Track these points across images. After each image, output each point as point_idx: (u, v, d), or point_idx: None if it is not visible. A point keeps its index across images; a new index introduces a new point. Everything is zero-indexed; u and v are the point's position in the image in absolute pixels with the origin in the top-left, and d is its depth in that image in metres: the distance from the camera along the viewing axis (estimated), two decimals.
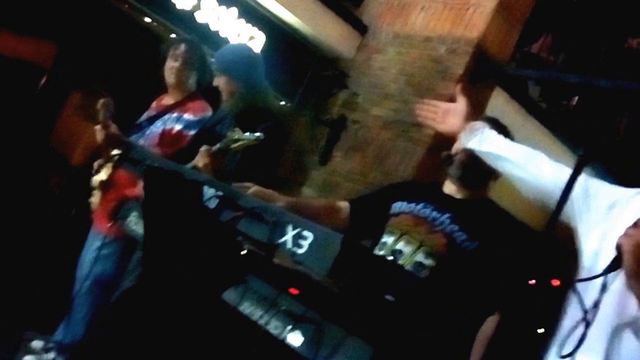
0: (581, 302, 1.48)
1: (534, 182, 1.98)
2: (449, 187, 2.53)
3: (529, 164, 2.01)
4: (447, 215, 2.39)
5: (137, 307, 2.30)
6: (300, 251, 1.48)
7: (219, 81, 3.14)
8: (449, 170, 2.48)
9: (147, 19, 5.35)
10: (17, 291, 3.87)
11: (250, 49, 3.41)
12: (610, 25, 5.72)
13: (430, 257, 2.33)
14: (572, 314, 1.65)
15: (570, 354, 1.48)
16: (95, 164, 3.37)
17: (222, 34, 5.51)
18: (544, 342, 1.78)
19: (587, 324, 1.46)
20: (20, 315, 3.64)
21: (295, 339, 1.54)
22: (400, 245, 2.40)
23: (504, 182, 2.24)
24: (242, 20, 5.61)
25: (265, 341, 1.59)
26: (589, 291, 1.58)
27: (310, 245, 1.47)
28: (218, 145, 2.80)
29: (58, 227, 4.62)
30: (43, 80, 5.85)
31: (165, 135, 3.37)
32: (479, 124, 2.19)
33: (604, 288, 1.51)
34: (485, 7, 5.11)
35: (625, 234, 1.54)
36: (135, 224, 2.34)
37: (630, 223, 1.65)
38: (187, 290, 1.88)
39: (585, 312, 1.48)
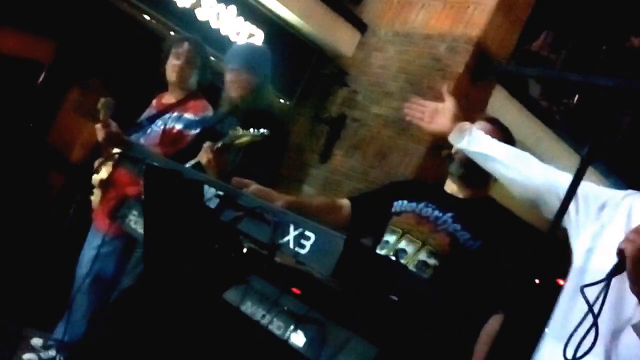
0: (588, 304, 1.48)
1: (524, 183, 2.00)
2: (451, 186, 2.53)
3: (519, 164, 2.03)
4: (449, 214, 2.39)
5: (138, 306, 2.29)
6: (303, 251, 1.47)
7: (234, 76, 3.13)
8: (450, 168, 2.47)
9: (147, 17, 5.34)
10: (17, 289, 3.87)
11: (266, 48, 3.43)
12: (612, 24, 5.71)
13: (433, 257, 2.32)
14: (575, 314, 1.65)
15: (583, 356, 1.48)
16: (96, 163, 3.37)
17: (222, 32, 5.51)
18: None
19: (596, 326, 1.46)
20: (20, 312, 3.64)
21: (298, 339, 1.53)
22: (402, 244, 2.39)
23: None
24: (241, 18, 5.61)
25: (268, 341, 1.58)
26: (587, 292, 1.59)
27: (313, 245, 1.45)
28: (222, 141, 2.80)
29: (57, 224, 4.61)
30: (41, 77, 5.83)
31: (166, 134, 3.37)
32: (467, 124, 2.20)
33: (606, 291, 1.51)
34: (486, 5, 5.10)
35: (627, 239, 1.54)
36: (135, 222, 2.33)
37: (622, 223, 1.70)
38: (187, 289, 1.88)
39: (594, 314, 1.48)
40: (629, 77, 4.50)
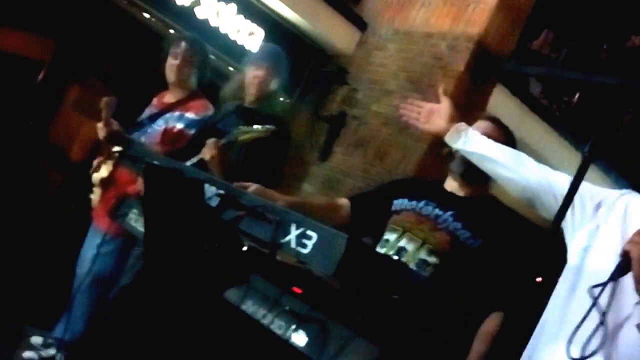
0: (597, 304, 1.49)
1: (520, 182, 2.02)
2: (451, 184, 2.53)
3: (515, 164, 2.05)
4: (450, 212, 2.39)
5: (137, 305, 2.29)
6: (305, 251, 1.47)
7: (257, 73, 3.19)
8: (451, 166, 2.47)
9: (146, 15, 5.33)
10: (17, 287, 3.86)
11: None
12: (613, 23, 5.71)
13: (433, 255, 2.33)
14: (573, 313, 1.66)
15: (591, 355, 1.49)
16: (95, 161, 3.36)
17: (222, 30, 5.50)
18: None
19: (606, 327, 1.47)
20: (20, 311, 3.63)
21: (299, 338, 1.52)
22: (403, 243, 2.40)
23: None
24: (241, 17, 5.60)
25: (269, 341, 1.58)
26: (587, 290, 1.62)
27: (315, 245, 1.45)
28: (226, 138, 2.79)
29: (57, 222, 4.61)
30: (41, 75, 5.83)
31: (167, 133, 3.36)
32: (463, 124, 2.22)
33: (613, 291, 1.52)
34: (486, 3, 5.09)
35: (632, 241, 1.56)
36: (135, 221, 2.33)
37: (618, 223, 1.73)
38: (188, 288, 1.87)
39: (602, 314, 1.49)
40: (630, 76, 4.49)
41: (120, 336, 2.22)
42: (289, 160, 5.58)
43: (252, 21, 5.66)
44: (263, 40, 5.69)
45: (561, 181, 1.87)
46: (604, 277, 1.59)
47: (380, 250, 2.42)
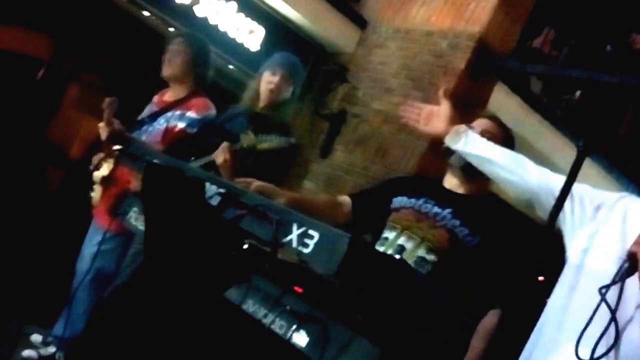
0: (607, 304, 1.50)
1: (520, 184, 2.04)
2: (450, 181, 2.53)
3: (515, 166, 2.07)
4: (448, 210, 2.39)
5: (137, 303, 2.28)
6: (306, 250, 1.46)
7: (273, 78, 3.21)
8: (451, 161, 2.47)
9: (146, 13, 5.32)
10: (17, 285, 3.86)
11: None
12: (614, 21, 5.70)
13: (432, 253, 2.33)
14: (574, 313, 1.68)
15: (605, 354, 1.51)
16: (95, 159, 3.36)
17: (221, 28, 5.49)
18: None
19: (617, 328, 1.48)
20: (20, 309, 3.63)
21: (300, 338, 1.52)
22: (402, 241, 2.40)
23: None
24: (242, 14, 5.59)
25: (270, 340, 1.57)
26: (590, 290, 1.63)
27: (317, 244, 1.44)
28: (244, 144, 2.80)
29: (57, 220, 4.61)
30: (40, 73, 5.82)
31: (168, 132, 3.35)
32: (463, 126, 2.24)
33: (621, 292, 1.53)
34: (487, 1, 5.09)
35: (638, 243, 1.57)
36: (135, 219, 2.32)
37: (617, 225, 1.75)
38: (189, 287, 1.87)
39: (613, 312, 1.50)
40: (631, 74, 4.49)
41: (120, 335, 2.21)
42: None
43: (252, 19, 5.66)
44: (263, 39, 5.70)
45: (560, 183, 1.88)
46: (604, 278, 1.60)
47: (380, 248, 2.42)
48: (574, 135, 5.88)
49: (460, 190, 2.49)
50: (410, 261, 2.32)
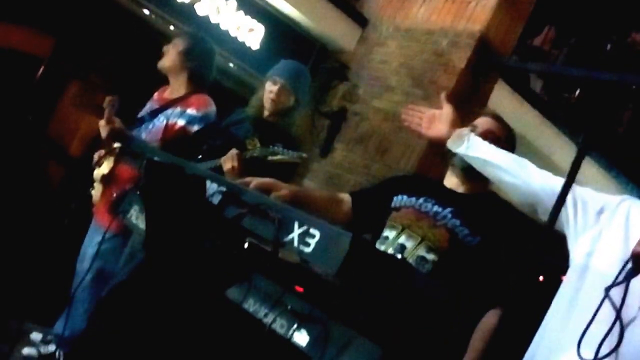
0: (612, 303, 1.49)
1: (523, 188, 2.03)
2: (451, 180, 2.52)
3: (518, 170, 2.06)
4: (449, 209, 2.38)
5: (137, 302, 2.28)
6: (308, 250, 1.45)
7: (275, 88, 3.22)
8: (453, 160, 2.46)
9: (146, 11, 5.32)
10: (17, 283, 3.86)
11: (309, 73, 3.54)
12: (614, 20, 5.70)
13: (432, 252, 2.32)
14: (577, 314, 1.68)
15: (608, 354, 1.51)
16: (96, 156, 3.36)
17: (222, 27, 5.48)
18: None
19: (622, 328, 1.48)
20: (20, 307, 3.63)
21: (301, 338, 1.52)
22: (402, 240, 2.39)
23: None
24: (242, 12, 5.59)
25: (270, 340, 1.57)
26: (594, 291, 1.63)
27: (318, 243, 1.44)
28: (254, 154, 2.80)
29: (58, 218, 4.60)
30: (40, 71, 5.82)
31: (168, 130, 3.36)
32: (465, 130, 2.24)
33: (626, 292, 1.53)
34: (488, 0, 5.08)
35: None
36: (136, 218, 2.31)
37: (620, 228, 1.76)
38: (189, 286, 1.86)
39: (618, 311, 1.50)
40: (630, 73, 4.49)
41: (120, 334, 2.21)
42: None
43: (253, 17, 5.65)
44: (263, 37, 5.69)
45: None
46: (608, 280, 1.61)
47: (380, 247, 2.41)
48: (574, 133, 5.88)
49: (460, 189, 2.48)
50: (411, 260, 2.31)
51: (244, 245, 1.72)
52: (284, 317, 1.56)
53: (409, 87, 5.25)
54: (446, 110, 2.27)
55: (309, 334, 1.51)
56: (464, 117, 2.33)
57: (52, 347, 3.51)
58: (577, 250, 1.84)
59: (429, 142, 4.84)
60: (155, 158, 2.13)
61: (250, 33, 5.65)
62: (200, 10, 5.37)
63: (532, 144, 5.48)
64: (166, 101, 3.49)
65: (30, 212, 5.03)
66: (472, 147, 2.18)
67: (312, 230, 1.47)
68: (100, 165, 3.32)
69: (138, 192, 2.19)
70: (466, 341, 2.18)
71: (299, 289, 1.59)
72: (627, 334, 1.58)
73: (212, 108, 3.41)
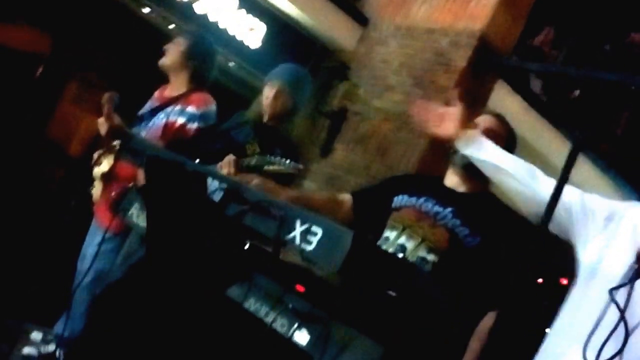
0: (617, 304, 1.49)
1: (530, 196, 2.00)
2: (451, 180, 2.52)
3: (527, 177, 2.03)
4: (449, 209, 2.38)
5: (135, 301, 2.27)
6: (309, 247, 1.45)
7: (273, 93, 3.19)
8: (455, 159, 2.46)
9: (146, 10, 5.31)
10: (17, 283, 3.86)
11: (309, 76, 3.51)
12: (613, 20, 5.70)
13: (432, 252, 2.32)
14: (583, 317, 1.68)
15: (613, 357, 1.51)
16: (96, 154, 3.36)
17: (221, 25, 5.48)
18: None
19: (627, 331, 1.48)
20: (20, 307, 3.63)
21: (302, 337, 1.51)
22: (402, 240, 2.39)
23: None
24: (243, 11, 5.58)
25: (271, 339, 1.57)
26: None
27: (320, 241, 1.43)
28: (252, 162, 2.79)
29: (57, 218, 4.60)
30: (40, 70, 5.81)
31: (168, 128, 3.35)
32: (476, 131, 2.21)
33: (630, 293, 1.54)
34: None
35: None
36: (137, 216, 2.31)
37: (628, 234, 1.76)
38: (190, 285, 1.86)
39: (622, 311, 1.49)
40: (629, 73, 4.49)
41: (119, 333, 2.20)
42: None
43: (253, 16, 5.64)
44: (264, 36, 5.69)
45: (570, 195, 1.86)
46: (614, 285, 1.61)
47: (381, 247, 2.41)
48: (573, 133, 5.87)
49: (461, 189, 2.48)
50: (411, 260, 2.31)
51: (244, 246, 1.71)
52: (285, 316, 1.56)
53: (409, 86, 5.25)
54: (456, 109, 2.22)
55: (310, 333, 1.50)
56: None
57: (52, 347, 3.50)
58: (585, 256, 1.84)
59: (431, 142, 4.89)
60: (156, 155, 2.12)
61: (251, 32, 5.65)
62: (200, 8, 5.36)
63: (531, 143, 5.48)
64: (166, 99, 3.49)
65: (30, 212, 5.03)
66: (483, 149, 2.13)
67: (314, 228, 1.46)
68: (99, 164, 3.32)
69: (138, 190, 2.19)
70: (466, 341, 2.18)
71: (300, 288, 1.58)
72: (632, 337, 1.58)
73: (212, 106, 3.41)
